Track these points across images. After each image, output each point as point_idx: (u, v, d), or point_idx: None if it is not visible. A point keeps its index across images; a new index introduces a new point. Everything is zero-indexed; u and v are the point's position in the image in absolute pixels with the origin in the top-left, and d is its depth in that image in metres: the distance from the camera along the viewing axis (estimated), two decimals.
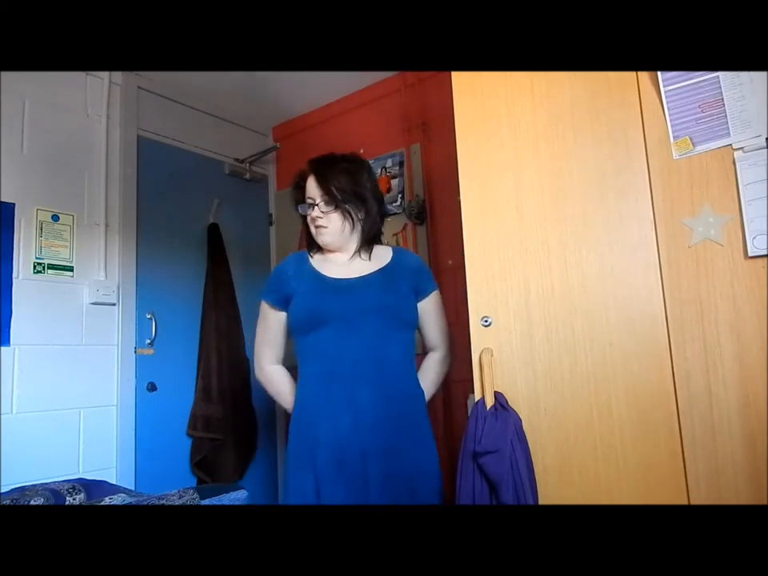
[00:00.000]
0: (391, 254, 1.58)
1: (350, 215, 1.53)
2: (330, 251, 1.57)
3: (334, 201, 1.51)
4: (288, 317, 1.52)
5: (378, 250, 1.59)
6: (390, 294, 1.48)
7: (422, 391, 1.54)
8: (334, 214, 1.52)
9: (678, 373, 1.24)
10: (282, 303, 1.55)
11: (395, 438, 1.40)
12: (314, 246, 1.60)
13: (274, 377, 1.62)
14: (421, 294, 1.55)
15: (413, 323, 1.52)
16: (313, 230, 1.54)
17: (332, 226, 1.52)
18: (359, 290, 1.48)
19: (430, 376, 1.59)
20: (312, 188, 1.53)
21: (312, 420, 1.42)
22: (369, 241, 1.57)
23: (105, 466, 2.27)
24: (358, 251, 1.56)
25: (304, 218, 1.57)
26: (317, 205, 1.51)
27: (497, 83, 1.51)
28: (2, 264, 2.05)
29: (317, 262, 1.56)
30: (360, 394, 1.39)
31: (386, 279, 1.51)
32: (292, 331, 1.52)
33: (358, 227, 1.56)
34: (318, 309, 1.46)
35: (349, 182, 1.54)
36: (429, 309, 1.57)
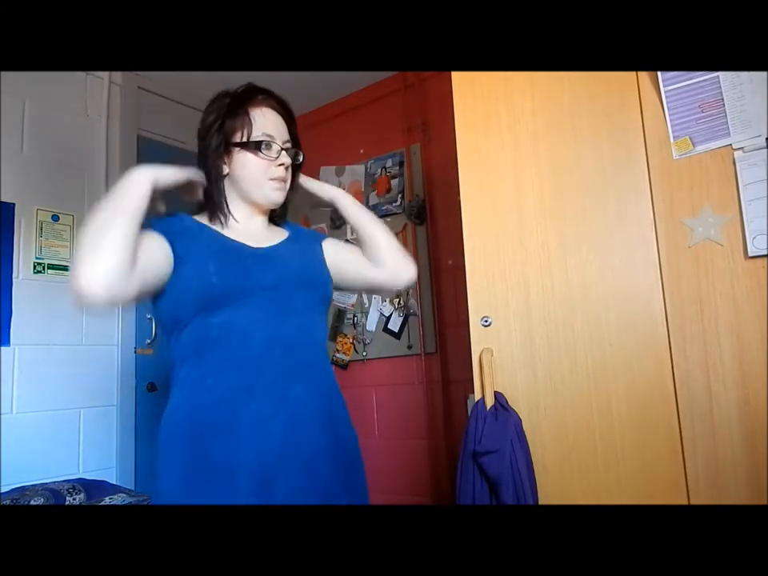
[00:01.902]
0: (286, 227, 1.25)
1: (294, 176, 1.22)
2: (246, 213, 1.17)
3: (296, 151, 1.19)
4: (179, 291, 1.04)
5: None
6: (311, 264, 1.18)
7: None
8: (289, 170, 1.17)
9: (678, 373, 1.24)
10: (169, 245, 1.05)
11: (336, 445, 1.07)
12: (216, 210, 1.14)
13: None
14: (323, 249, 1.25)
15: (330, 300, 1.22)
16: (260, 178, 1.12)
17: (287, 183, 1.17)
18: (283, 259, 1.14)
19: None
20: (275, 126, 1.14)
21: (226, 425, 1.00)
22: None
23: (105, 465, 2.27)
24: (273, 218, 1.24)
25: (214, 161, 1.12)
26: (285, 150, 1.14)
27: (497, 83, 1.52)
28: (2, 264, 2.05)
29: (227, 226, 1.15)
30: (295, 395, 1.03)
31: (299, 249, 1.19)
32: (183, 310, 1.04)
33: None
34: (234, 276, 1.06)
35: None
36: (332, 250, 1.26)
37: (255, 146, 1.10)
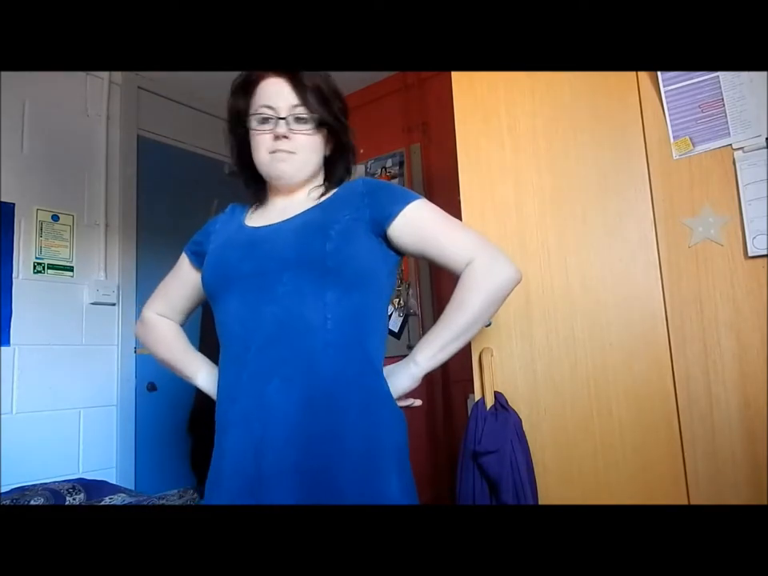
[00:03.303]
0: (339, 189, 1.09)
1: (323, 140, 1.07)
2: (280, 193, 1.10)
3: (313, 116, 1.03)
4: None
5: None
6: (314, 237, 0.97)
7: (384, 385, 1.00)
8: (307, 137, 1.04)
9: (678, 373, 1.24)
10: (198, 260, 1.15)
11: (327, 458, 0.91)
12: (251, 193, 1.15)
13: (156, 325, 1.20)
14: (385, 221, 1.00)
15: (361, 276, 0.98)
16: (264, 155, 1.04)
17: (301, 154, 1.04)
18: (275, 238, 1.01)
19: (465, 295, 0.99)
20: (275, 93, 1.03)
21: (222, 426, 1.00)
22: (330, 183, 1.10)
23: (105, 465, 2.27)
24: (308, 194, 1.09)
25: (240, 142, 1.09)
26: (283, 119, 1.02)
27: (497, 83, 1.52)
28: (1, 264, 2.05)
29: (256, 212, 1.14)
30: (270, 391, 0.93)
31: (314, 218, 1.01)
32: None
33: (326, 162, 1.10)
34: (220, 267, 1.04)
35: (331, 91, 1.06)
36: (411, 226, 1.02)
37: (250, 124, 1.05)
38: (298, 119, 1.03)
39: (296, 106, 1.03)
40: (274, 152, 1.03)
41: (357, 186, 1.07)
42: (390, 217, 1.01)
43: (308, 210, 1.05)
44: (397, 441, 0.98)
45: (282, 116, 1.02)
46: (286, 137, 1.02)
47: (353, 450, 0.92)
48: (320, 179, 1.11)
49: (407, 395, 1.04)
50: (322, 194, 1.08)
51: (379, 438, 0.95)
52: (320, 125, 1.05)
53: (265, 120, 1.03)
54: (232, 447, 0.96)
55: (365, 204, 1.01)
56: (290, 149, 1.03)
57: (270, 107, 1.03)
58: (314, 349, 0.95)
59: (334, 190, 1.09)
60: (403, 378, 1.02)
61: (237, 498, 0.93)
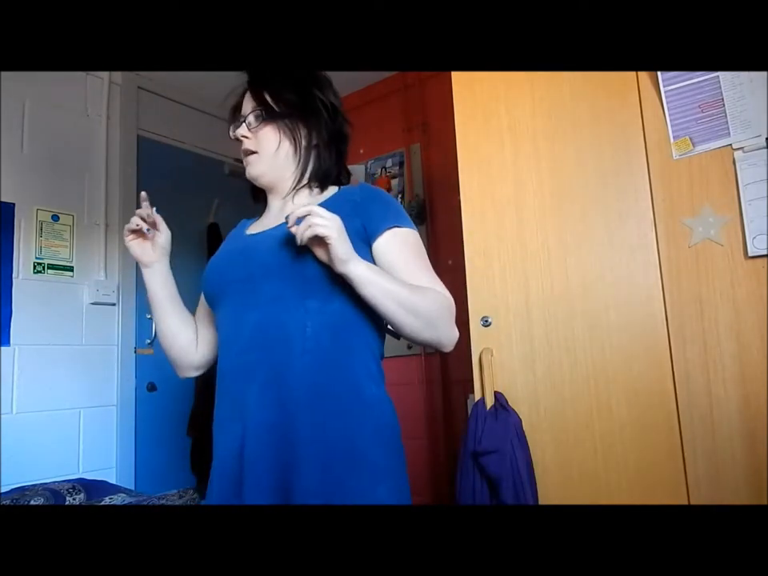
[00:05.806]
0: (335, 195, 1.06)
1: (291, 132, 1.05)
2: (274, 197, 1.12)
3: (267, 112, 1.06)
4: None
5: (330, 190, 1.08)
6: (295, 245, 0.94)
7: (368, 391, 0.97)
8: (266, 130, 1.06)
9: (678, 373, 1.24)
10: None
11: (299, 464, 0.90)
12: (258, 199, 1.17)
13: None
14: (373, 234, 0.99)
15: (344, 284, 0.94)
16: (244, 163, 1.10)
17: (263, 150, 1.06)
18: (263, 245, 1.02)
19: (427, 292, 0.97)
20: (245, 103, 1.09)
21: (214, 428, 1.02)
22: (316, 176, 1.08)
23: (105, 466, 2.27)
24: (294, 190, 1.08)
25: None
26: (244, 122, 1.07)
27: (497, 83, 1.52)
28: (2, 264, 2.05)
29: (258, 221, 1.16)
30: (249, 395, 0.94)
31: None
32: None
33: (303, 154, 1.07)
34: (215, 275, 1.07)
35: (294, 87, 1.08)
36: (384, 251, 0.99)
37: (232, 134, 1.11)
38: (257, 117, 1.07)
39: (255, 107, 1.07)
40: (245, 156, 1.09)
41: (354, 193, 1.05)
42: (378, 231, 1.00)
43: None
44: (380, 446, 0.95)
45: (241, 120, 1.08)
46: (245, 137, 1.07)
47: (325, 456, 0.91)
48: (305, 175, 1.09)
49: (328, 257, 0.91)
50: (320, 193, 1.08)
51: (354, 445, 0.93)
52: (275, 116, 1.06)
53: (235, 127, 1.10)
54: (219, 449, 0.99)
55: (357, 213, 1.00)
56: (251, 147, 1.07)
57: (242, 114, 1.09)
58: (290, 355, 0.94)
59: (330, 194, 1.07)
60: (348, 251, 0.91)
61: (223, 499, 0.94)
